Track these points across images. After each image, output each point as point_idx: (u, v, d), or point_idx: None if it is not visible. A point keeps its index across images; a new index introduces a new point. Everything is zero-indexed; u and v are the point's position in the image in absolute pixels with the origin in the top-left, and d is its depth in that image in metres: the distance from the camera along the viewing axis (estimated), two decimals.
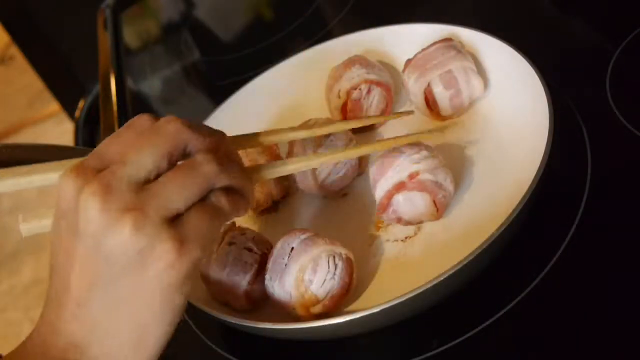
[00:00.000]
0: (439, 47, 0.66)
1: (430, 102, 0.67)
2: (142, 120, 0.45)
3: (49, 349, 0.43)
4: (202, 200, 0.43)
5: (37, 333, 0.45)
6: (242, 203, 0.45)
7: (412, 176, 0.57)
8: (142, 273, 0.41)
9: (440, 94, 0.66)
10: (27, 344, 0.45)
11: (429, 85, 0.66)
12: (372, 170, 0.60)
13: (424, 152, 0.57)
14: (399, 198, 0.58)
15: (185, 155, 0.44)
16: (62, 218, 0.43)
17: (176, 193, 0.42)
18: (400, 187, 0.57)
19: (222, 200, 0.44)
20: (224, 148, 0.45)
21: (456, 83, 0.66)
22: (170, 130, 0.43)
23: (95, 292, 0.42)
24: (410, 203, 0.58)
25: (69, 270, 0.43)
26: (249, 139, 0.55)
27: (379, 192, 0.59)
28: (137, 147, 0.42)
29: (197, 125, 0.45)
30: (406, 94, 0.69)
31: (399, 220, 0.59)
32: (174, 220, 0.42)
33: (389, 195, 0.58)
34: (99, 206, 0.41)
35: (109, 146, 0.44)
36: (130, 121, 0.45)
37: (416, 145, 0.58)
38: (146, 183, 0.42)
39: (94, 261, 0.42)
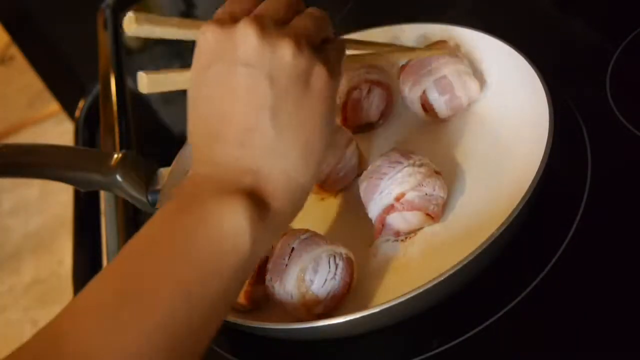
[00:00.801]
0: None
1: (427, 108, 0.67)
2: None
3: (220, 181, 0.45)
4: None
5: (197, 176, 0.46)
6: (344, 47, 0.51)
7: (398, 198, 0.57)
8: (304, 92, 0.45)
9: (436, 100, 0.66)
10: (186, 190, 0.46)
11: (424, 92, 0.66)
12: (361, 191, 0.60)
13: (406, 169, 0.57)
14: (391, 219, 0.58)
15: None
16: (216, 59, 0.46)
17: (315, 28, 0.47)
18: (389, 210, 0.58)
19: (339, 41, 0.50)
20: None
21: (451, 88, 0.65)
22: None
23: (264, 113, 0.45)
24: (404, 220, 0.58)
25: (232, 103, 0.45)
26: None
27: (371, 215, 0.59)
28: (267, 2, 0.48)
29: None
30: (402, 99, 0.69)
31: (398, 234, 0.60)
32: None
33: (381, 220, 0.58)
34: (258, 33, 0.44)
35: (233, 7, 0.48)
36: None
37: (397, 161, 0.58)
38: (286, 23, 0.47)
39: (261, 86, 0.44)
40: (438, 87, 0.66)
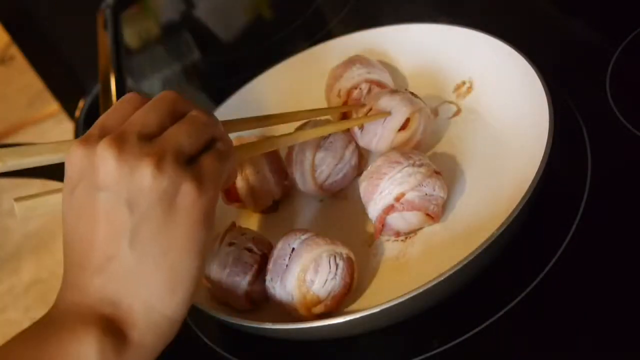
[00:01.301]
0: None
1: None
2: (134, 96, 0.47)
3: (78, 308, 0.44)
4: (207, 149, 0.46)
5: (62, 300, 0.45)
6: (234, 154, 0.49)
7: (398, 198, 0.57)
8: (168, 214, 0.43)
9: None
10: (51, 313, 0.45)
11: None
12: (361, 191, 0.60)
13: (406, 169, 0.57)
14: (391, 219, 0.58)
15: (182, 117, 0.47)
16: (79, 183, 0.44)
17: (186, 139, 0.45)
18: (389, 210, 0.58)
19: (225, 145, 0.47)
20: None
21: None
22: (169, 97, 0.47)
23: (123, 241, 0.43)
24: (404, 220, 0.58)
25: (92, 229, 0.43)
26: (233, 125, 0.57)
27: (371, 215, 0.59)
28: (141, 110, 0.45)
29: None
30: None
31: (397, 234, 0.60)
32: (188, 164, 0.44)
33: (381, 220, 0.58)
34: (116, 156, 0.42)
35: (108, 118, 0.46)
36: (121, 99, 0.47)
37: (397, 161, 0.58)
38: (155, 137, 0.44)
39: (119, 211, 0.43)
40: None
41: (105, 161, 0.43)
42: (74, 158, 0.44)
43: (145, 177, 0.42)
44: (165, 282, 0.44)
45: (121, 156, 0.42)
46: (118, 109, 0.46)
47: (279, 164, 0.67)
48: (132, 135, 0.43)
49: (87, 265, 0.44)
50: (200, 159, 0.45)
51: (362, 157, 0.67)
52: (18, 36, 2.12)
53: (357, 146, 0.66)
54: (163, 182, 0.42)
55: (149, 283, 0.43)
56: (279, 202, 0.69)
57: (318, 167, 0.64)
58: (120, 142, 0.43)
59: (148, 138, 0.44)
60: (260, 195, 0.67)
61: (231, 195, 0.68)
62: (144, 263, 0.43)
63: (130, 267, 0.43)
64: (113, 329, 0.43)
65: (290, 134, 0.62)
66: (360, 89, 0.69)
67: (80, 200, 0.44)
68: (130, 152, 0.43)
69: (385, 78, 0.70)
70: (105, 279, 0.43)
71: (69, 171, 0.45)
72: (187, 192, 0.43)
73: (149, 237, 0.43)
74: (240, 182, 0.66)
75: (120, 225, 0.43)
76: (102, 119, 0.46)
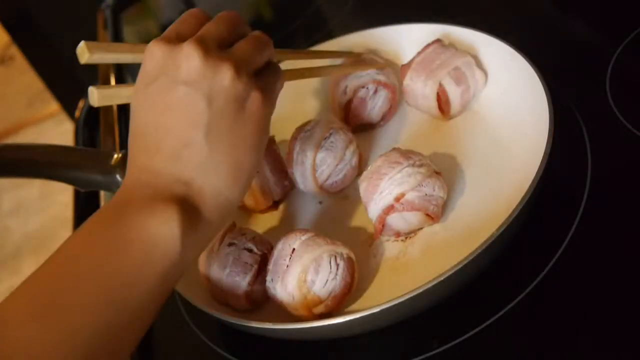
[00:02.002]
0: (434, 48, 0.66)
1: (442, 102, 0.67)
2: (199, 12, 0.52)
3: (154, 189, 0.47)
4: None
5: (134, 183, 0.48)
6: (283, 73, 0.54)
7: (398, 198, 0.57)
8: (239, 114, 0.48)
9: (453, 91, 0.66)
10: (123, 195, 0.48)
11: (440, 84, 0.66)
12: (361, 191, 0.60)
13: (406, 169, 0.57)
14: (391, 219, 0.58)
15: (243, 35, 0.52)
16: (158, 76, 0.48)
17: (255, 54, 0.50)
18: (389, 210, 0.58)
19: (277, 66, 0.53)
20: None
21: (465, 79, 0.66)
22: (234, 15, 0.52)
23: (200, 131, 0.47)
24: (404, 220, 0.58)
25: (170, 118, 0.47)
26: None
27: (371, 215, 0.59)
28: (213, 22, 0.51)
29: None
30: (409, 98, 0.69)
31: (398, 235, 0.60)
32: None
33: (381, 220, 0.58)
34: (201, 55, 0.47)
35: (180, 27, 0.50)
36: (187, 13, 0.52)
37: (397, 161, 0.58)
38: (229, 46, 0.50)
39: (198, 105, 0.47)
40: (454, 78, 0.66)
41: (191, 58, 0.47)
42: (157, 53, 0.48)
43: (225, 79, 0.47)
44: (231, 170, 0.49)
45: (206, 56, 0.47)
46: (187, 21, 0.51)
47: (279, 164, 0.67)
48: (212, 42, 0.48)
49: (163, 149, 0.47)
50: (262, 75, 0.51)
51: (362, 157, 0.67)
52: (18, 36, 2.12)
53: (358, 146, 0.66)
54: (239, 86, 0.48)
55: (218, 170, 0.48)
56: (279, 202, 0.69)
57: (319, 167, 0.64)
58: (204, 44, 0.48)
59: (224, 47, 0.49)
60: (260, 195, 0.67)
61: None
62: (216, 152, 0.48)
63: (203, 155, 0.47)
64: (188, 206, 0.47)
65: (331, 66, 0.70)
66: (367, 88, 0.69)
67: (159, 90, 0.48)
68: (213, 55, 0.48)
69: (393, 80, 0.70)
70: (180, 163, 0.47)
71: (147, 65, 0.49)
72: (255, 99, 0.49)
73: (222, 131, 0.48)
74: None
75: (198, 116, 0.47)
76: (175, 27, 0.50)
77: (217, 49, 0.48)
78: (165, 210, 0.46)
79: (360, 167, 0.67)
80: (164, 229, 0.45)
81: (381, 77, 0.69)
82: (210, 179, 0.48)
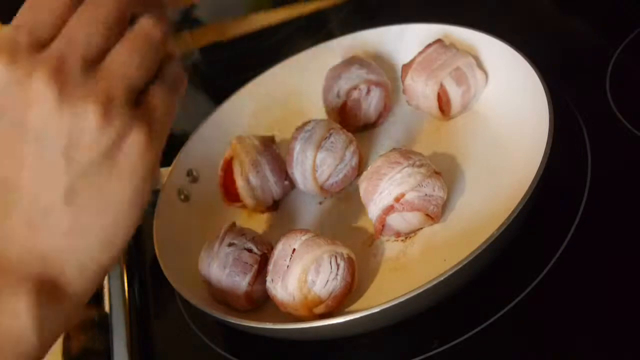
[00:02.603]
0: (435, 48, 0.66)
1: (443, 102, 0.67)
2: None
3: (6, 260, 0.37)
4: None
5: None
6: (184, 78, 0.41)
7: (398, 199, 0.57)
8: (111, 168, 0.37)
9: (454, 92, 0.66)
10: None
11: (441, 85, 0.66)
12: (361, 191, 0.60)
13: (406, 169, 0.57)
14: (391, 220, 0.58)
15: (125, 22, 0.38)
16: (2, 112, 0.36)
17: (137, 67, 0.37)
18: (389, 210, 0.58)
19: (177, 69, 0.40)
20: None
21: (466, 79, 0.66)
22: (107, 3, 0.37)
23: (57, 195, 0.37)
24: (404, 220, 0.58)
25: (19, 174, 0.37)
26: None
27: (371, 216, 0.59)
28: (78, 18, 0.37)
29: None
30: (410, 97, 0.69)
31: (398, 235, 0.60)
32: (137, 101, 0.38)
33: (381, 220, 0.58)
34: (57, 96, 0.35)
35: (36, 15, 0.37)
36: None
37: (397, 161, 0.58)
38: (99, 61, 0.37)
39: (55, 162, 0.36)
40: (455, 78, 0.66)
41: (42, 100, 0.35)
42: None
43: (90, 126, 0.36)
44: (102, 236, 0.38)
45: (63, 96, 0.35)
46: (44, 7, 0.37)
47: (279, 164, 0.67)
48: (76, 64, 0.36)
49: (15, 214, 0.37)
50: (149, 96, 0.38)
51: (362, 158, 0.67)
52: None
53: (358, 147, 0.66)
54: (110, 133, 0.36)
55: (86, 238, 0.38)
56: (279, 202, 0.69)
57: (319, 168, 0.64)
58: (62, 75, 0.35)
59: (93, 65, 0.36)
60: (260, 195, 0.67)
61: (231, 195, 0.68)
62: (81, 220, 0.37)
63: (65, 224, 0.37)
64: (46, 285, 0.38)
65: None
66: (359, 89, 0.69)
67: (3, 135, 0.36)
68: (74, 91, 0.35)
69: (384, 79, 0.70)
70: (36, 234, 0.37)
71: None
72: (136, 142, 0.37)
73: (88, 195, 0.37)
74: (240, 182, 0.66)
75: (54, 178, 0.36)
76: (28, 15, 0.37)
77: (81, 75, 0.36)
78: (17, 300, 0.36)
79: (360, 167, 0.67)
80: (15, 324, 0.36)
81: (372, 77, 0.69)
82: (75, 250, 0.38)
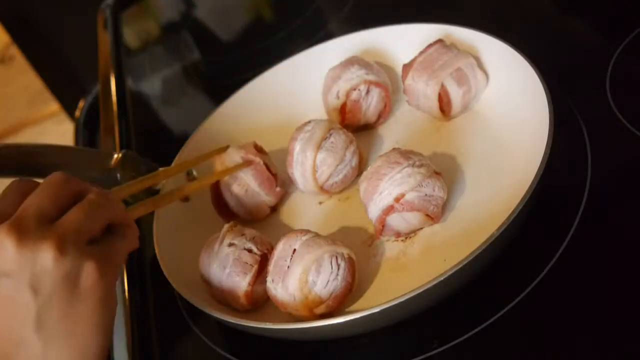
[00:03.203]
0: (436, 48, 0.66)
1: (443, 103, 0.67)
2: (19, 183, 0.46)
3: None
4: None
5: None
6: (134, 230, 0.50)
7: (398, 199, 0.57)
8: (72, 295, 0.43)
9: (455, 92, 0.66)
10: None
11: (442, 85, 0.66)
12: (361, 191, 0.60)
13: (406, 170, 0.57)
14: (391, 220, 0.58)
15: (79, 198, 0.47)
16: None
17: (85, 221, 0.45)
18: (389, 210, 0.58)
19: (123, 223, 0.48)
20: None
21: (467, 80, 0.66)
22: (58, 179, 0.46)
23: (29, 326, 0.43)
24: (404, 220, 0.58)
25: None
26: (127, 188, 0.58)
27: (371, 216, 0.59)
28: (33, 195, 0.45)
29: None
30: (410, 97, 0.69)
31: (398, 235, 0.60)
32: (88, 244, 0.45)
33: (381, 221, 0.58)
34: (15, 242, 0.42)
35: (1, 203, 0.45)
36: (6, 187, 0.47)
37: (397, 161, 0.58)
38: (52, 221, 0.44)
39: (23, 296, 0.42)
40: (456, 79, 0.66)
41: (5, 248, 0.42)
42: None
43: (48, 259, 0.42)
44: (75, 357, 0.44)
45: (21, 242, 0.42)
46: (7, 197, 0.46)
47: (266, 175, 0.67)
48: (31, 220, 0.43)
49: None
50: (102, 240, 0.46)
51: (362, 158, 0.67)
52: (18, 36, 2.12)
53: (358, 147, 0.66)
54: (65, 264, 0.43)
55: None
56: (276, 206, 0.69)
57: (319, 168, 0.64)
58: (19, 226, 0.43)
59: (47, 221, 0.44)
60: (254, 208, 0.67)
61: (227, 214, 0.67)
62: (52, 346, 0.43)
63: (37, 352, 0.43)
64: None
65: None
66: (359, 90, 0.69)
67: None
68: (31, 237, 0.43)
69: (384, 79, 0.70)
70: None
71: None
72: (89, 272, 0.44)
73: (55, 320, 0.43)
74: (231, 201, 0.66)
75: (24, 309, 0.42)
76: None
77: (36, 227, 0.43)
78: None
79: (361, 167, 0.67)
80: None
81: (371, 77, 0.69)
82: None
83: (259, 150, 0.68)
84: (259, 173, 0.66)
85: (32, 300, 0.42)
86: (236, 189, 0.66)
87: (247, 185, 0.66)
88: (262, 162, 0.67)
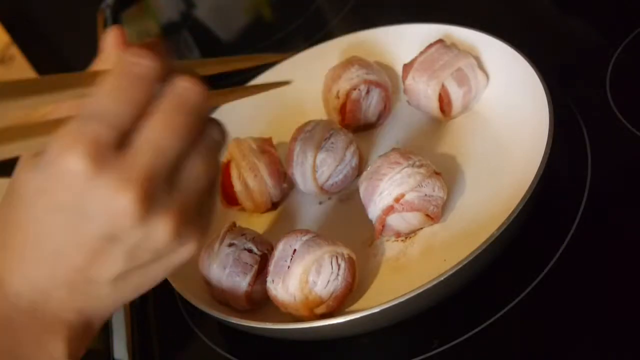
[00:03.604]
0: (437, 48, 0.66)
1: (444, 103, 0.67)
2: (145, 70, 0.37)
3: (42, 313, 0.41)
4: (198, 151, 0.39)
5: (17, 294, 0.41)
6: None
7: (398, 199, 0.57)
8: (160, 263, 0.40)
9: (456, 93, 0.66)
10: (4, 307, 0.41)
11: (443, 85, 0.66)
12: (361, 191, 0.60)
13: (406, 170, 0.57)
14: (391, 220, 0.58)
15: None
16: (69, 204, 0.36)
17: (206, 178, 0.39)
18: (389, 210, 0.58)
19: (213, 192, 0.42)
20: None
21: (468, 80, 0.66)
22: (195, 102, 0.38)
23: (107, 275, 0.40)
24: (404, 221, 0.58)
25: (76, 247, 0.38)
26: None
27: (371, 216, 0.59)
28: (163, 123, 0.37)
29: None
30: (410, 97, 0.69)
31: (398, 235, 0.60)
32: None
33: (381, 221, 0.58)
34: (141, 215, 0.36)
35: (116, 105, 0.36)
36: (121, 68, 0.37)
37: (397, 162, 0.58)
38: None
39: (117, 256, 0.38)
40: (456, 79, 0.66)
41: (125, 215, 0.36)
42: (75, 179, 0.35)
43: (159, 240, 0.38)
44: (128, 299, 0.43)
45: (146, 215, 0.36)
46: (123, 90, 0.36)
47: (277, 167, 0.67)
48: (160, 184, 0.36)
49: (58, 274, 0.40)
50: (203, 211, 0.40)
51: (362, 158, 0.67)
52: (18, 36, 2.12)
53: (358, 147, 0.66)
54: (172, 248, 0.39)
55: (115, 301, 0.43)
56: (278, 203, 0.69)
57: (319, 168, 0.64)
58: (149, 196, 0.36)
59: (171, 179, 0.37)
60: (258, 198, 0.67)
61: (230, 198, 0.68)
62: (118, 292, 0.41)
63: (104, 293, 0.41)
64: (78, 330, 0.42)
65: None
66: (359, 89, 0.69)
67: (69, 211, 0.37)
68: (157, 210, 0.37)
69: (384, 79, 0.70)
70: (76, 294, 0.41)
71: (54, 182, 0.36)
72: (185, 252, 0.40)
73: (134, 278, 0.41)
74: (238, 186, 0.66)
75: (111, 264, 0.39)
76: (107, 103, 0.36)
77: (162, 195, 0.37)
78: (54, 346, 0.41)
79: (360, 167, 0.67)
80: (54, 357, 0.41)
81: (372, 77, 0.69)
82: (108, 306, 0.43)
83: (273, 147, 0.69)
84: (272, 163, 0.67)
85: (122, 263, 0.39)
86: (246, 172, 0.66)
87: (258, 171, 0.66)
88: (276, 155, 0.67)
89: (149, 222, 0.37)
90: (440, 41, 0.67)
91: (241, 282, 0.57)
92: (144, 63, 0.37)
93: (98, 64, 0.41)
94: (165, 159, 0.37)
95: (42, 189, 0.37)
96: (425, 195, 0.57)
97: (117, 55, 0.38)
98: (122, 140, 0.36)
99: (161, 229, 0.37)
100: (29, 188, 0.38)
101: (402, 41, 0.74)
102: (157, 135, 0.36)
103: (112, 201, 0.36)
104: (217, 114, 0.77)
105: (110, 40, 0.41)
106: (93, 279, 0.40)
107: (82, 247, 0.38)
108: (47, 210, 0.38)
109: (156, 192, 0.36)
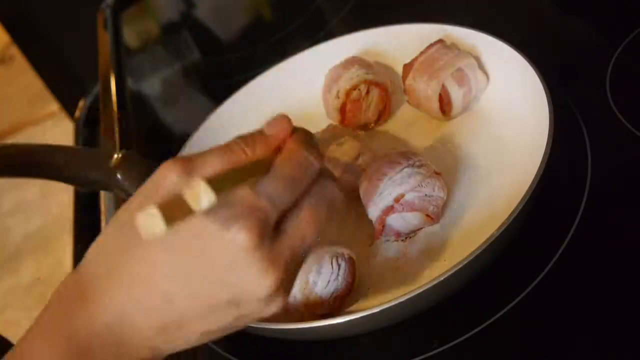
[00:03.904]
0: (437, 48, 0.66)
1: (444, 103, 0.67)
2: (306, 165, 0.41)
3: (116, 345, 0.41)
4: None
5: (103, 325, 0.41)
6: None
7: (398, 199, 0.57)
8: (261, 311, 0.41)
9: (456, 93, 0.66)
10: (83, 328, 0.41)
11: (443, 85, 0.66)
12: (361, 191, 0.60)
13: (406, 170, 0.57)
14: (391, 220, 0.58)
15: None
16: (211, 267, 0.39)
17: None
18: (389, 211, 0.58)
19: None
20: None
21: (468, 80, 0.66)
22: (334, 197, 0.42)
23: (205, 324, 0.41)
24: (404, 221, 0.58)
25: (182, 293, 0.40)
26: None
27: (371, 216, 0.59)
28: (314, 217, 0.41)
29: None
30: (410, 97, 0.69)
31: (398, 235, 0.60)
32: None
33: (381, 221, 0.58)
34: (272, 290, 0.39)
35: (283, 191, 0.40)
36: (298, 162, 0.41)
37: (397, 162, 0.58)
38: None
39: (223, 307, 0.40)
40: (456, 79, 0.66)
41: (260, 287, 0.39)
42: (243, 244, 0.38)
43: (269, 313, 0.41)
44: (207, 339, 0.43)
45: (275, 289, 0.40)
46: (295, 181, 0.40)
47: None
48: (295, 265, 0.41)
49: (155, 316, 0.41)
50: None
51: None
52: (18, 36, 2.12)
53: (358, 147, 0.66)
54: (278, 307, 0.41)
55: (188, 347, 0.43)
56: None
57: None
58: (283, 278, 0.40)
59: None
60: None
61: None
62: (198, 342, 0.43)
63: (185, 340, 0.42)
64: None
65: None
66: (359, 89, 0.69)
67: (191, 257, 0.39)
68: (282, 287, 0.40)
69: (384, 79, 0.70)
70: (161, 335, 0.42)
71: (189, 240, 0.39)
72: (270, 313, 0.42)
73: (224, 325, 0.42)
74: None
75: (216, 321, 0.41)
76: (278, 189, 0.40)
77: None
78: None
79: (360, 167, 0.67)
80: None
81: (371, 77, 0.69)
82: (177, 349, 0.43)
83: None
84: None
85: (226, 323, 0.41)
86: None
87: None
88: None
89: (274, 300, 0.40)
90: (440, 41, 0.67)
91: None
92: (315, 165, 0.41)
93: (261, 143, 0.45)
94: (305, 247, 0.41)
95: (196, 239, 0.39)
96: (425, 195, 0.57)
97: (296, 151, 0.42)
98: (279, 221, 0.40)
99: (276, 305, 0.41)
100: (180, 235, 0.39)
101: (402, 41, 0.74)
102: (305, 226, 0.41)
103: (257, 277, 0.39)
104: (217, 114, 0.77)
105: (278, 129, 0.45)
106: (188, 326, 0.41)
107: (199, 302, 0.40)
108: (184, 260, 0.40)
109: (284, 278, 0.40)
